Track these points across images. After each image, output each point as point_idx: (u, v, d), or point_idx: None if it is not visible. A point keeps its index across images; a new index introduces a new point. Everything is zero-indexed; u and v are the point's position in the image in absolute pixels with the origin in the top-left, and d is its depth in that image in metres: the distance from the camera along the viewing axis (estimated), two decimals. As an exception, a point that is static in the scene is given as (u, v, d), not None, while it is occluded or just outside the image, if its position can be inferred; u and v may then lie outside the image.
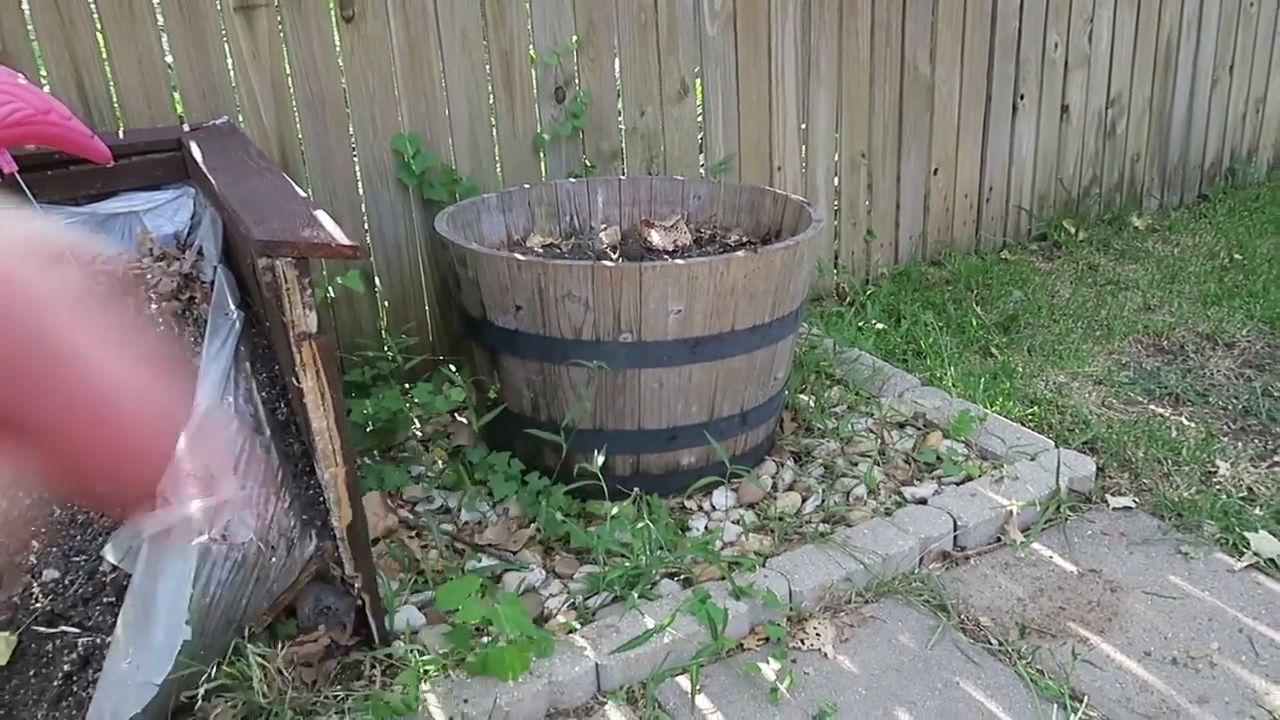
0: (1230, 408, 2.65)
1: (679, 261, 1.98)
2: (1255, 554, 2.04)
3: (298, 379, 1.57)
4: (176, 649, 1.44)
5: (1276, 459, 2.41)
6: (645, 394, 2.08)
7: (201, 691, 1.45)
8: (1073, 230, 3.82)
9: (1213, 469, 2.35)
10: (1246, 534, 2.09)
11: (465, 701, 1.60)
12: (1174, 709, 1.68)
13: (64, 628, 1.54)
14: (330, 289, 2.49)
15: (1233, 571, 2.02)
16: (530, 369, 2.11)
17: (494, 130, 2.68)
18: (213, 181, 1.85)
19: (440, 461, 2.31)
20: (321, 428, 1.58)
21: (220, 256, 1.97)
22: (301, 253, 1.48)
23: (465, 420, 2.45)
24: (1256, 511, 2.18)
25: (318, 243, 1.48)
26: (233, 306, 1.83)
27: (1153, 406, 2.66)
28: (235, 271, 1.97)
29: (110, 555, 1.59)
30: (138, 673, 1.42)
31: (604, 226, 2.64)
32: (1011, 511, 2.13)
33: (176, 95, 2.33)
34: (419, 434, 2.45)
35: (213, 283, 1.91)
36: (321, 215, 1.59)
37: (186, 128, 2.23)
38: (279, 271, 1.50)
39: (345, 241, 1.48)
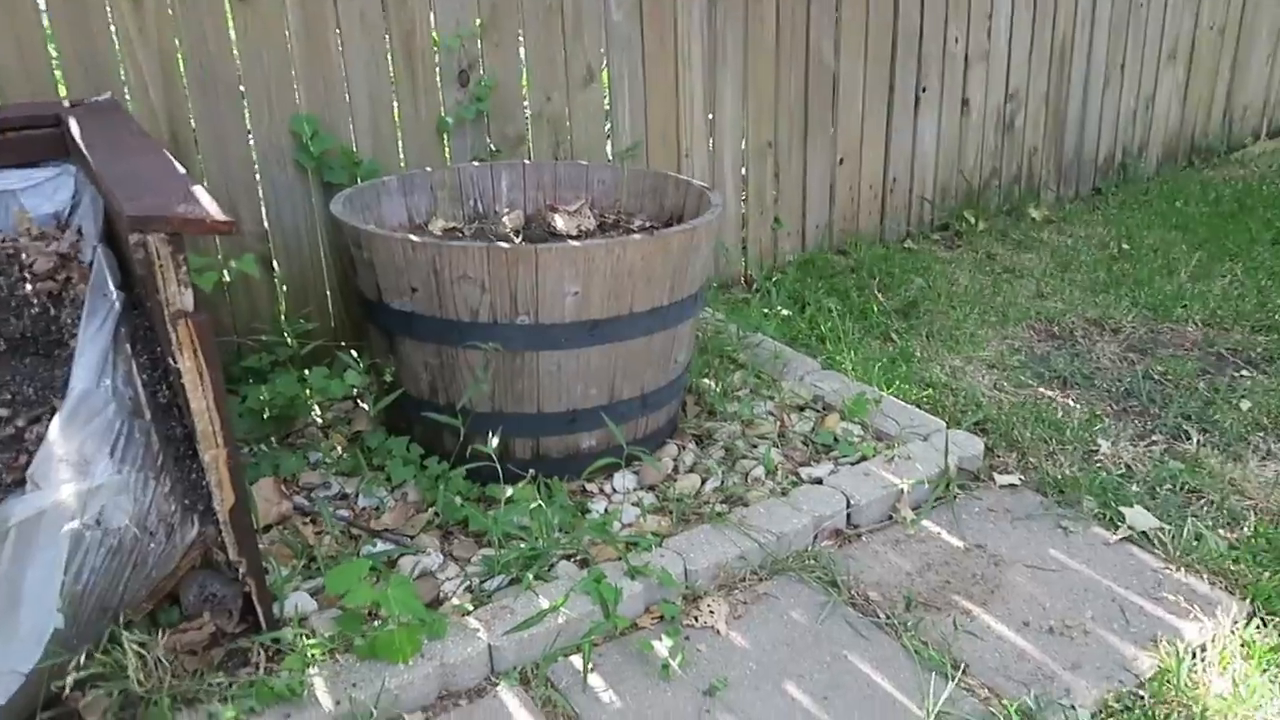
0: (1113, 390, 2.77)
1: (575, 243, 1.98)
2: (1130, 527, 2.14)
3: (175, 359, 1.53)
4: (46, 637, 1.39)
5: (1154, 438, 2.52)
6: (544, 376, 2.08)
7: (70, 680, 1.41)
8: (973, 221, 3.94)
9: (1094, 448, 2.45)
10: (1123, 509, 2.19)
11: (354, 685, 1.58)
12: (1049, 675, 1.75)
13: (-77, 619, 1.47)
14: (225, 273, 2.43)
15: (1108, 544, 2.11)
16: (427, 352, 2.09)
17: (396, 113, 2.65)
18: (89, 158, 1.79)
19: (339, 447, 2.28)
20: (201, 408, 1.54)
21: (101, 236, 1.90)
22: (175, 228, 1.44)
23: (365, 405, 2.42)
24: (1133, 488, 2.28)
25: (192, 218, 1.44)
26: (112, 287, 1.77)
27: (1041, 389, 2.76)
28: (117, 252, 1.90)
29: (-24, 543, 1.52)
30: (3, 662, 1.37)
31: (508, 211, 2.63)
32: (903, 490, 2.19)
33: (58, 75, 2.25)
34: (318, 420, 2.41)
35: (92, 263, 1.85)
36: (199, 191, 1.55)
37: (67, 103, 2.15)
38: (152, 248, 1.46)
39: (221, 217, 1.45)
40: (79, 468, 1.55)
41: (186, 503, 1.66)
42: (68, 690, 1.43)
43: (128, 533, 1.53)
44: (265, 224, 2.51)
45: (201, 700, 1.53)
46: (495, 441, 2.05)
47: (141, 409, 1.71)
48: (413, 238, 1.98)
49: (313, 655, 1.60)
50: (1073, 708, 1.67)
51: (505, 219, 2.58)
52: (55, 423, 1.58)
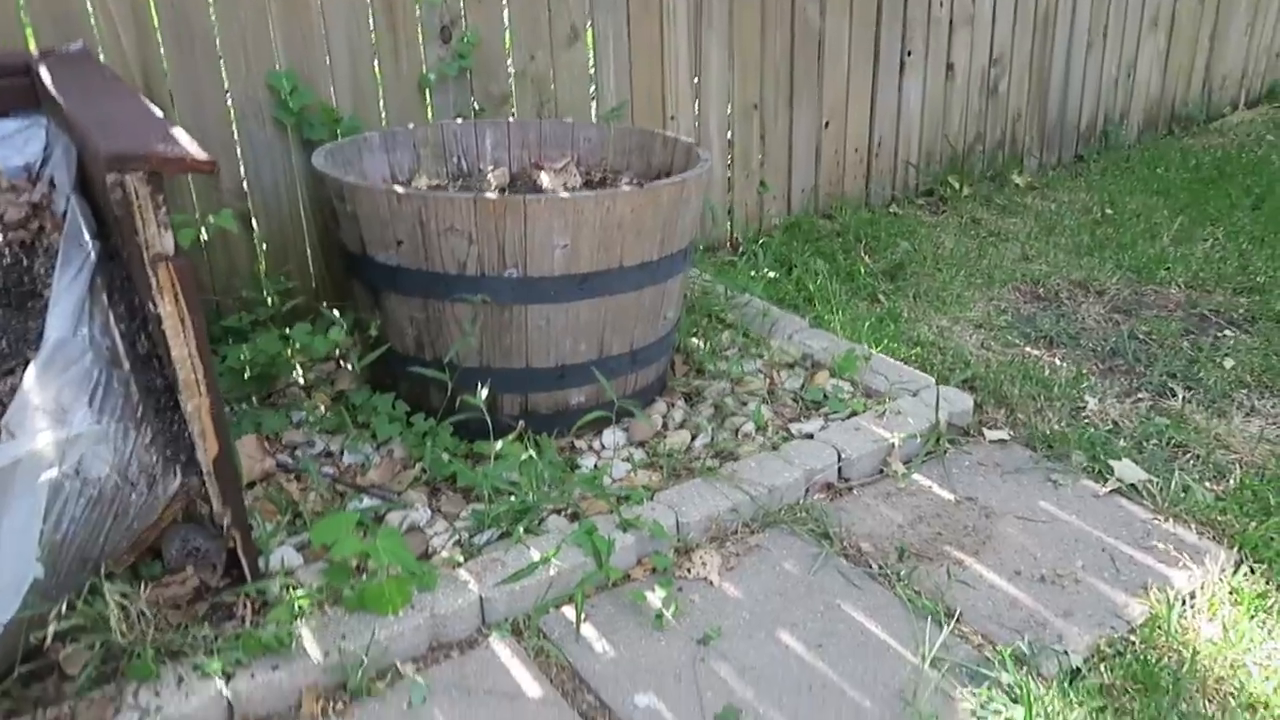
0: (1099, 349, 2.77)
1: (565, 194, 1.95)
2: (1119, 480, 2.14)
3: (155, 305, 1.49)
4: (25, 587, 1.36)
5: (1140, 395, 2.53)
6: (532, 331, 2.05)
7: (51, 631, 1.37)
8: (957, 186, 3.93)
9: (1081, 405, 2.46)
10: (1111, 462, 2.19)
11: (343, 636, 1.55)
12: (1041, 622, 1.75)
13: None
14: (203, 230, 2.38)
15: (1097, 496, 2.12)
16: (413, 306, 2.05)
17: (377, 69, 2.59)
18: (62, 103, 1.73)
19: (322, 406, 2.24)
20: (182, 355, 1.50)
21: (74, 186, 1.85)
22: (154, 166, 1.40)
23: (348, 365, 2.38)
24: (1121, 443, 2.29)
25: (171, 156, 1.39)
26: (87, 237, 1.72)
27: (1028, 348, 2.76)
28: (92, 203, 1.85)
29: (-50, 494, 1.48)
30: (-19, 611, 1.33)
31: (492, 168, 2.58)
32: (893, 444, 2.18)
33: (29, 31, 2.17)
34: (300, 381, 2.36)
35: (65, 213, 1.80)
36: (178, 131, 1.50)
37: (37, 53, 2.08)
38: (130, 188, 1.41)
39: (201, 156, 1.40)
40: (56, 417, 1.51)
41: (168, 454, 1.62)
42: (48, 642, 1.40)
43: (108, 482, 1.49)
44: (244, 181, 2.46)
45: (186, 653, 1.50)
46: (484, 394, 2.02)
47: (120, 359, 1.66)
48: (398, 189, 1.94)
49: (300, 607, 1.57)
50: (1065, 653, 1.67)
51: (490, 176, 2.54)
52: (30, 371, 1.54)
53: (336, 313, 2.27)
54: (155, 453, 1.59)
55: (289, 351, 2.23)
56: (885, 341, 2.66)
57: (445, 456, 2.00)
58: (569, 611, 1.71)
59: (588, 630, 1.68)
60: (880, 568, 1.87)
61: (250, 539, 1.62)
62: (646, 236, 2.07)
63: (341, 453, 2.08)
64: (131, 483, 1.54)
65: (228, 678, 1.46)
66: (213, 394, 1.53)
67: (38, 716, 1.36)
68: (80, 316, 1.63)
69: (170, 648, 1.49)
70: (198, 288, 1.52)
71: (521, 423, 2.13)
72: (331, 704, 1.50)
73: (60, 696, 1.40)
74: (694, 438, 2.20)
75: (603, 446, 2.16)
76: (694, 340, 2.60)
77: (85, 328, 1.62)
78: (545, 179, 2.51)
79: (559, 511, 1.91)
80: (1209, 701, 1.57)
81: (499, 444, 2.03)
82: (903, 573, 1.85)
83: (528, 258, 1.97)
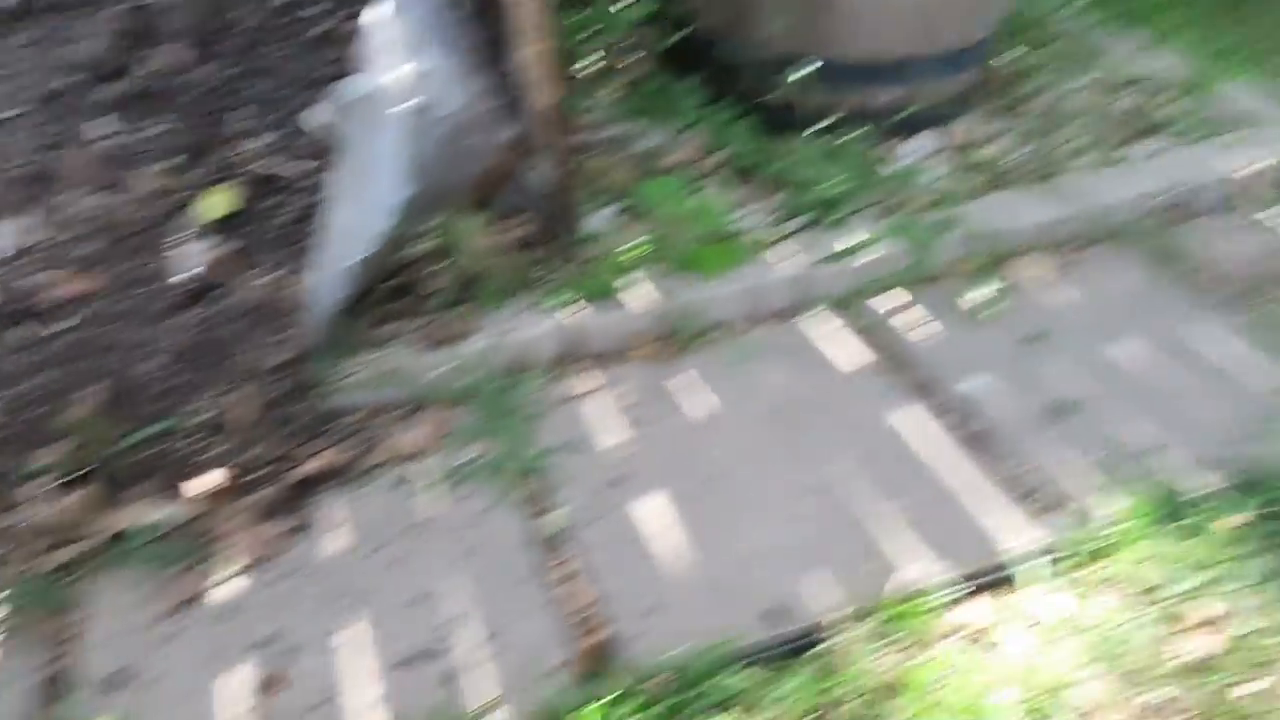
0: None
1: None
2: None
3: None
4: (399, 203, 1.43)
5: None
6: (847, 17, 1.89)
7: (419, 249, 1.46)
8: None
9: None
10: None
11: (668, 292, 1.58)
12: None
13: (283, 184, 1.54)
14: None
15: None
16: (726, -19, 1.93)
17: None
18: None
19: (620, 92, 2.20)
20: (522, -5, 1.47)
21: None
22: None
23: (646, 51, 2.30)
24: None
25: None
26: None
27: None
28: None
29: (314, 120, 1.57)
30: (363, 220, 1.43)
31: None
32: (1245, 174, 1.93)
33: None
34: (596, 67, 2.31)
35: None
36: None
37: None
38: None
39: None
40: (406, 53, 1.54)
41: (503, 103, 1.63)
42: (414, 251, 1.49)
43: (458, 119, 1.53)
44: None
45: (525, 289, 1.58)
46: (796, 78, 1.90)
47: (454, 5, 1.66)
48: None
49: (627, 260, 1.60)
50: None
51: None
52: (374, 12, 1.56)
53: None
54: (491, 100, 1.60)
55: (587, 32, 2.17)
56: (1237, 68, 2.31)
57: (750, 146, 1.94)
58: (884, 299, 1.67)
59: (907, 317, 1.64)
60: (1226, 295, 1.70)
61: (574, 196, 1.64)
62: (993, -90, 1.82)
63: (642, 136, 2.06)
64: (474, 124, 1.57)
65: (567, 310, 1.53)
66: (549, 40, 1.50)
67: (404, 325, 1.48)
68: (413, -36, 1.63)
69: (511, 281, 1.57)
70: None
71: (834, 115, 2.01)
72: (662, 349, 1.55)
73: (423, 311, 1.51)
74: (1013, 150, 2.02)
75: (913, 150, 2.03)
76: (1015, 53, 2.34)
77: (420, -26, 1.62)
78: None
79: (871, 206, 1.83)
80: None
81: (806, 140, 1.94)
82: (1253, 302, 1.68)
83: (859, -72, 1.79)
